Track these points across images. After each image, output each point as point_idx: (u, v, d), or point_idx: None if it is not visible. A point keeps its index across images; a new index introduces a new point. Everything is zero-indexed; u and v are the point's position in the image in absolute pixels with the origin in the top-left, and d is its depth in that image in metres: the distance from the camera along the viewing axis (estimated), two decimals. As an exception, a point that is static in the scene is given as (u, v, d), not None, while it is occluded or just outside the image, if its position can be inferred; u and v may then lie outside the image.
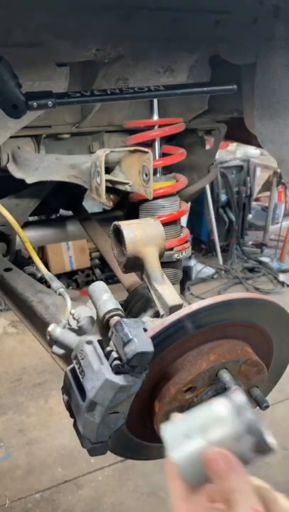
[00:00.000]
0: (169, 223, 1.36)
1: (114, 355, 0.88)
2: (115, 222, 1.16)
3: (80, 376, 0.89)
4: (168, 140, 1.65)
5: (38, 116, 1.18)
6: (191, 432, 0.63)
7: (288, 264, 5.71)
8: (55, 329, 1.00)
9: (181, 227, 1.44)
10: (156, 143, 1.39)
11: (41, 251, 4.87)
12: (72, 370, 0.91)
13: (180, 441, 0.63)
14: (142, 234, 1.12)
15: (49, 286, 1.22)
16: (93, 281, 1.04)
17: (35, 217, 2.60)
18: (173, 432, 0.65)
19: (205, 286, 5.24)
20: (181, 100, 1.54)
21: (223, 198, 5.71)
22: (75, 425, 0.91)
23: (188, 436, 0.63)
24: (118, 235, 1.16)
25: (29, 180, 1.36)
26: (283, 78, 1.34)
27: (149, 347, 0.85)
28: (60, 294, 1.15)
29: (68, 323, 1.03)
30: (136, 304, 1.23)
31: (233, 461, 0.58)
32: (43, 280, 1.29)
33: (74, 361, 0.90)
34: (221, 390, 0.98)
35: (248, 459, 0.59)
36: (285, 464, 2.78)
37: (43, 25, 1.01)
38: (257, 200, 6.81)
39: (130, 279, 1.36)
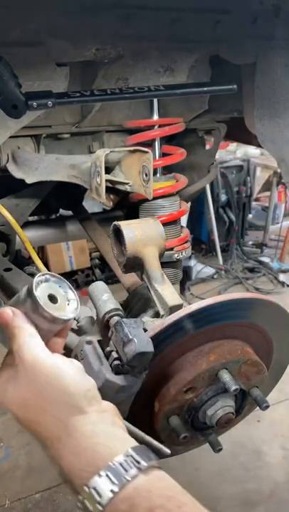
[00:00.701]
0: (169, 223, 1.36)
1: (114, 355, 0.88)
2: (115, 222, 1.16)
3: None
4: (168, 140, 1.65)
5: (38, 116, 1.18)
6: None
7: (288, 264, 5.71)
8: (55, 329, 1.00)
9: (181, 227, 1.44)
10: (156, 143, 1.39)
11: (41, 251, 4.87)
12: (72, 370, 0.90)
13: None
14: (142, 234, 1.12)
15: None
16: (93, 281, 1.05)
17: (35, 217, 2.60)
18: None
19: (205, 287, 5.24)
20: (181, 100, 1.54)
21: (223, 198, 5.70)
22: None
23: None
24: (118, 235, 1.16)
25: (29, 180, 1.36)
26: (283, 78, 1.34)
27: (149, 347, 0.85)
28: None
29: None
30: (136, 304, 1.23)
31: (16, 311, 0.73)
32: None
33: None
34: (221, 390, 0.98)
35: (31, 317, 0.74)
36: (285, 464, 2.78)
37: (43, 25, 1.01)
38: (257, 200, 6.80)
39: (130, 279, 1.36)
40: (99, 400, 0.70)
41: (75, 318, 0.82)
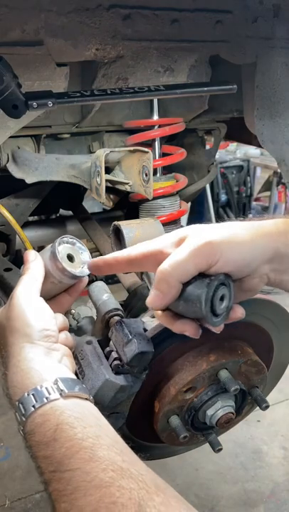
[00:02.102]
0: (169, 223, 1.36)
1: (114, 355, 0.88)
2: (115, 222, 1.16)
3: (80, 376, 0.89)
4: (168, 140, 1.65)
5: (38, 116, 1.18)
6: None
7: (288, 264, 5.69)
8: (55, 329, 1.00)
9: (181, 227, 1.44)
10: (156, 143, 1.39)
11: (41, 251, 4.87)
12: (72, 370, 0.91)
13: None
14: (141, 234, 1.12)
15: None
16: (93, 281, 1.05)
17: (35, 217, 2.60)
18: None
19: (205, 286, 5.23)
20: (181, 100, 1.54)
21: (223, 198, 5.70)
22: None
23: None
24: (118, 235, 1.16)
25: (29, 180, 1.35)
26: (283, 78, 1.34)
27: (149, 347, 0.86)
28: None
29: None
30: (136, 304, 1.23)
31: (38, 257, 0.89)
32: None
33: (75, 367, 0.91)
34: (221, 390, 0.98)
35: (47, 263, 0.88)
36: (285, 464, 2.78)
37: (43, 25, 1.01)
38: (257, 200, 6.80)
39: (130, 279, 1.36)
40: (54, 342, 0.80)
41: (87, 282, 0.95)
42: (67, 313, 1.03)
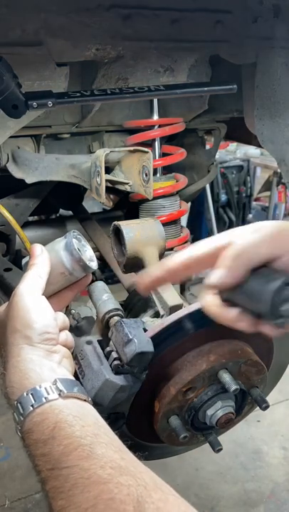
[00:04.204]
0: (169, 223, 1.36)
1: (114, 355, 0.88)
2: (115, 222, 1.16)
3: (80, 376, 0.89)
4: (168, 140, 1.65)
5: (38, 116, 1.18)
6: None
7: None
8: (55, 329, 1.00)
9: (181, 227, 1.44)
10: (156, 143, 1.39)
11: (41, 251, 4.86)
12: (72, 370, 0.91)
13: None
14: (141, 234, 1.12)
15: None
16: (93, 281, 1.04)
17: (35, 217, 2.60)
18: None
19: (205, 286, 5.23)
20: (181, 100, 1.54)
21: (223, 198, 5.69)
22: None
23: None
24: (118, 235, 1.16)
25: (29, 180, 1.36)
26: (283, 78, 1.34)
27: (149, 347, 0.86)
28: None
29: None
30: (136, 304, 1.23)
31: (44, 251, 0.87)
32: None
33: (74, 361, 0.91)
34: (221, 390, 0.98)
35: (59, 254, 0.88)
36: (285, 464, 2.78)
37: (43, 25, 1.01)
38: (257, 200, 6.80)
39: (130, 279, 1.36)
40: (54, 344, 0.79)
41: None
42: (67, 313, 1.03)
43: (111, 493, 0.58)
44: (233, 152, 6.13)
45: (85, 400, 0.73)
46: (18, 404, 0.70)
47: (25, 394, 0.70)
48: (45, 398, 0.69)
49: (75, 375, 0.89)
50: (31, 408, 0.68)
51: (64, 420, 0.67)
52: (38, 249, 0.88)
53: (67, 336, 0.85)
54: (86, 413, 0.71)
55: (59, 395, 0.70)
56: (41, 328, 0.77)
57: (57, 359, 0.78)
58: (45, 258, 0.87)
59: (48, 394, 0.69)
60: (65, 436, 0.65)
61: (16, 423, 0.71)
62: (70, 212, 2.14)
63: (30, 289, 0.82)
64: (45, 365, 0.74)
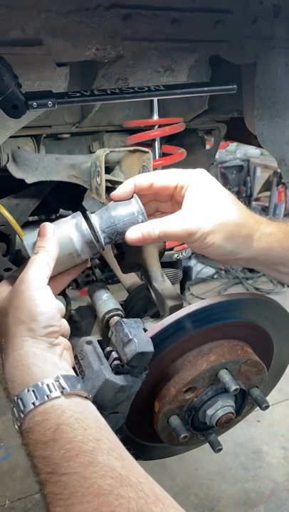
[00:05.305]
0: (169, 223, 1.35)
1: (114, 355, 0.88)
2: (115, 222, 1.15)
3: (80, 376, 0.89)
4: (168, 140, 1.65)
5: (38, 116, 1.18)
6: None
7: (288, 264, 5.69)
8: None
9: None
10: (156, 143, 1.39)
11: (41, 251, 4.86)
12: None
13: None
14: (141, 234, 1.12)
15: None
16: (93, 281, 1.05)
17: (35, 217, 2.59)
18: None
19: (205, 287, 5.24)
20: (181, 100, 1.54)
21: (223, 197, 5.69)
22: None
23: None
24: (118, 235, 1.16)
25: (29, 180, 1.35)
26: (283, 78, 1.34)
27: (149, 347, 0.86)
28: (59, 294, 1.15)
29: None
30: (136, 304, 1.23)
31: (55, 234, 0.85)
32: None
33: (74, 361, 0.91)
34: (221, 390, 0.98)
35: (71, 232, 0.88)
36: (285, 464, 2.78)
37: (43, 25, 1.01)
38: (257, 200, 6.80)
39: (130, 279, 1.36)
40: (56, 337, 0.78)
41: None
42: (66, 312, 1.03)
43: (111, 506, 0.57)
44: (233, 152, 6.13)
45: (86, 398, 0.72)
46: (19, 400, 0.69)
47: (26, 390, 0.69)
48: (48, 396, 0.68)
49: (73, 369, 0.89)
50: (32, 406, 0.68)
51: (66, 422, 0.66)
52: (49, 230, 0.84)
53: (63, 323, 0.84)
54: (88, 414, 0.70)
55: (61, 392, 0.69)
56: (46, 321, 0.75)
57: (58, 352, 0.77)
58: (55, 242, 0.83)
59: (51, 391, 0.68)
60: (67, 440, 0.64)
61: (14, 418, 0.70)
62: (70, 212, 2.14)
63: (38, 278, 0.78)
64: (47, 359, 0.73)
